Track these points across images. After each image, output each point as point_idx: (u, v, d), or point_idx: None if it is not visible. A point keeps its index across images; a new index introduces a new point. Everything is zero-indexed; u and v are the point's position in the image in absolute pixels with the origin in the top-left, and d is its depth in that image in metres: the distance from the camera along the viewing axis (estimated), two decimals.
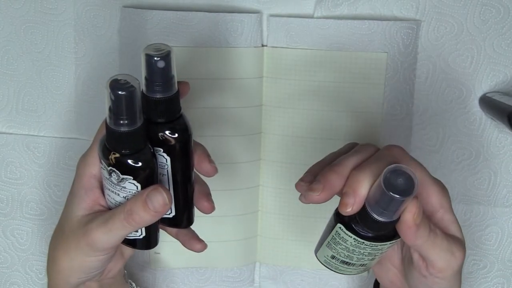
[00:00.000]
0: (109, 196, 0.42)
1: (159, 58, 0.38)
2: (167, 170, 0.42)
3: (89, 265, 0.43)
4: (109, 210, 0.43)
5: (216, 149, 0.53)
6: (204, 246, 0.48)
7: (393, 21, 0.53)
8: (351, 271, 0.43)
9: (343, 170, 0.40)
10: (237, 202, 0.57)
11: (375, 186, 0.37)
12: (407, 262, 0.43)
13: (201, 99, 0.54)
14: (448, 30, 0.54)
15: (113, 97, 0.36)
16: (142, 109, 0.38)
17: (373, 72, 0.54)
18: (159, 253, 0.58)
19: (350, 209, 0.38)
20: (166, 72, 0.39)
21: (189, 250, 0.58)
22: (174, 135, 0.41)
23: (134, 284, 0.54)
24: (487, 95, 0.54)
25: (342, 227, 0.40)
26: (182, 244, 0.49)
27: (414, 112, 0.55)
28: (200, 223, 0.57)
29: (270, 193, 0.57)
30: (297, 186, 0.43)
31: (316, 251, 0.45)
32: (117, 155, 0.39)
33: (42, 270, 0.60)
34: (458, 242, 0.41)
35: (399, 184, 0.35)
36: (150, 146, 0.40)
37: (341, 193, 0.39)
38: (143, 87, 0.39)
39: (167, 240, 0.58)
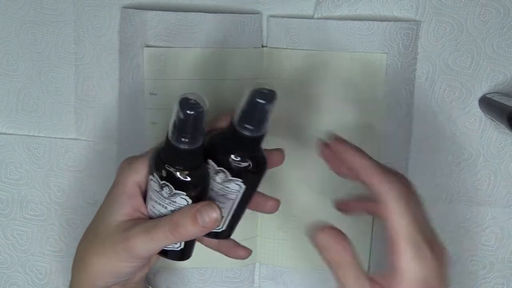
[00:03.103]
0: (154, 207, 0.42)
1: (264, 102, 0.38)
2: (238, 195, 0.43)
3: (121, 270, 0.43)
4: (149, 219, 0.43)
5: None
6: (249, 252, 0.49)
7: (393, 21, 0.53)
8: None
9: None
10: None
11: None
12: None
13: None
14: (448, 30, 0.54)
15: (182, 116, 0.36)
16: (230, 140, 0.39)
17: (373, 72, 0.54)
18: None
19: None
20: (267, 114, 0.39)
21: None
22: (255, 168, 0.42)
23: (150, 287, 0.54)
24: (487, 95, 0.54)
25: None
26: (225, 254, 0.49)
27: (414, 112, 0.55)
28: None
29: (270, 194, 0.57)
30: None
31: None
32: (174, 170, 0.39)
33: (42, 270, 0.60)
34: None
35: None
36: (203, 163, 0.41)
37: None
38: (236, 120, 0.39)
39: None
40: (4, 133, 0.58)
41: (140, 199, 0.43)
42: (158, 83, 0.54)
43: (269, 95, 0.37)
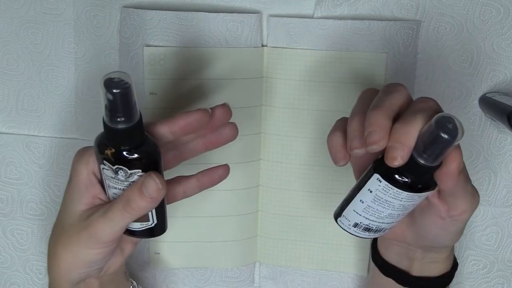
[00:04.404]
0: (116, 194, 0.42)
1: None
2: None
3: (91, 258, 0.43)
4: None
5: (216, 149, 0.53)
6: (226, 168, 0.48)
7: (393, 21, 0.53)
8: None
9: (390, 113, 0.40)
10: (237, 202, 0.57)
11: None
12: (419, 208, 0.43)
13: (201, 99, 0.54)
14: (448, 30, 0.54)
15: (110, 96, 0.36)
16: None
17: (373, 72, 0.54)
18: (158, 253, 0.58)
19: (401, 161, 0.38)
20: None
21: (188, 251, 0.58)
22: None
23: (135, 283, 0.54)
24: (487, 95, 0.54)
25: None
26: (207, 186, 0.48)
27: None
28: (200, 223, 0.57)
29: (270, 193, 0.57)
30: (353, 146, 0.41)
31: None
32: (122, 151, 0.39)
33: (42, 270, 0.60)
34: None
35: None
36: (147, 134, 0.41)
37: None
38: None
39: (167, 241, 0.58)
40: (4, 133, 0.58)
41: (98, 187, 0.43)
42: (158, 83, 0.54)
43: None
